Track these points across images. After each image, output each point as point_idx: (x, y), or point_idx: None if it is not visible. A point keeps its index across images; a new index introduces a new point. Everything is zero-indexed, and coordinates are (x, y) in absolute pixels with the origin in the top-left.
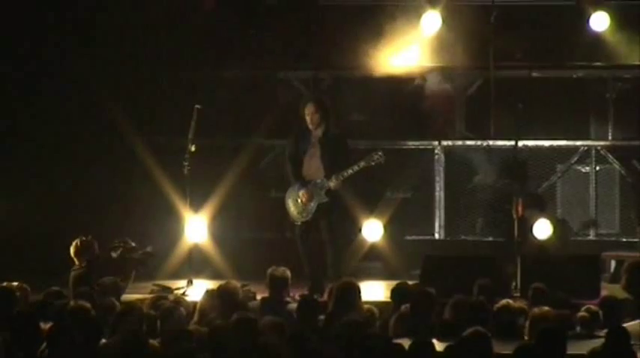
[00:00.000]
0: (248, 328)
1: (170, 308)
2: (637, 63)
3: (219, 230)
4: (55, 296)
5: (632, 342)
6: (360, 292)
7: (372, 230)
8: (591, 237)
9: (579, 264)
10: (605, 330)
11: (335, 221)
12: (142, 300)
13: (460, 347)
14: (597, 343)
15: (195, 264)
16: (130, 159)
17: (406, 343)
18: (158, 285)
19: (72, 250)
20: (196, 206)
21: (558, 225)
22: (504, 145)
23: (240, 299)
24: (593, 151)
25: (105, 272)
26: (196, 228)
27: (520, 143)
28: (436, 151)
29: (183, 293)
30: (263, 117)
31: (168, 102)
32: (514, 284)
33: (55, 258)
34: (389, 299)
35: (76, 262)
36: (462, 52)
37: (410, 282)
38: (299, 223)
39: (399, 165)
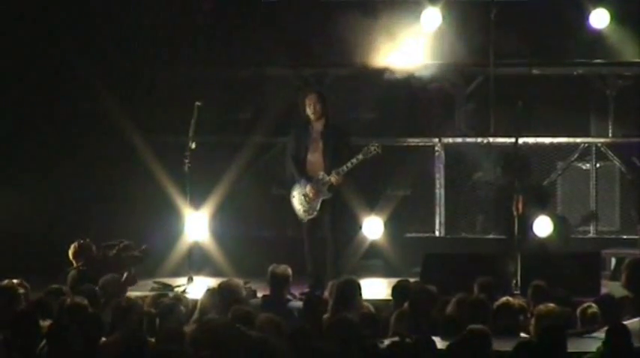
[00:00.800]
0: (244, 322)
1: (170, 305)
2: (637, 60)
3: (220, 227)
4: (56, 294)
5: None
6: (360, 290)
7: (373, 227)
8: (591, 235)
9: (579, 261)
10: (605, 328)
11: (337, 218)
12: (142, 298)
13: (460, 344)
14: (597, 340)
15: (195, 262)
16: (130, 157)
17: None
18: (158, 283)
19: (70, 252)
20: (197, 203)
21: (559, 222)
22: (504, 142)
23: (241, 297)
24: (594, 148)
25: (102, 272)
26: (197, 225)
27: (520, 140)
28: (436, 148)
29: (184, 291)
30: (263, 114)
31: (169, 99)
32: (514, 281)
33: (55, 257)
34: (389, 297)
35: (74, 264)
36: (462, 49)
37: (411, 280)
38: (305, 220)
39: (400, 162)
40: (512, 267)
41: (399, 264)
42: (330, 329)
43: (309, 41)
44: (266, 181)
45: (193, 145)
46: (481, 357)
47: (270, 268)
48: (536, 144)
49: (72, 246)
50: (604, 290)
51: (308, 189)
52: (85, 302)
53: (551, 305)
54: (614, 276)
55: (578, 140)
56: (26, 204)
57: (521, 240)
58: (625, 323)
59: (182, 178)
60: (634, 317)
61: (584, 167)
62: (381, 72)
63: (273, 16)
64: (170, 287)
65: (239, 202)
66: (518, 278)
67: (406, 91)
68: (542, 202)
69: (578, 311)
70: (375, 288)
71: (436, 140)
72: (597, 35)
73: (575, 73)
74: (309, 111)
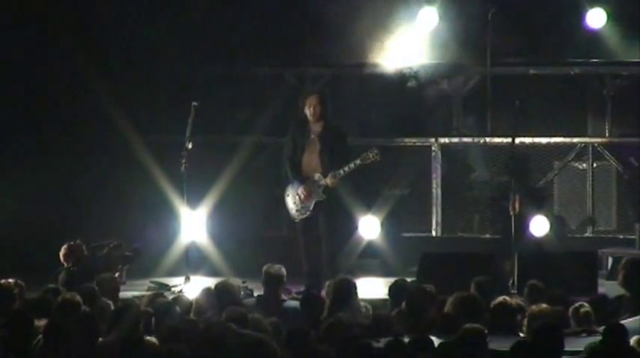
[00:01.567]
0: (238, 322)
1: (166, 305)
2: (635, 60)
3: (217, 227)
4: (53, 294)
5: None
6: (356, 289)
7: (370, 227)
8: (588, 234)
9: (576, 260)
10: (601, 327)
11: (332, 218)
12: (139, 298)
13: (456, 344)
14: (594, 339)
15: (192, 261)
16: (127, 157)
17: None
18: (155, 282)
19: (61, 254)
20: (193, 203)
21: (555, 221)
22: (501, 142)
23: (237, 297)
24: (591, 148)
25: (92, 272)
26: (193, 225)
27: (517, 140)
28: (433, 148)
29: (180, 291)
30: (260, 114)
31: (166, 99)
32: (511, 281)
33: (52, 256)
34: (386, 297)
35: (66, 265)
36: (458, 48)
37: (408, 279)
38: (298, 220)
39: (396, 162)
40: (508, 267)
41: (395, 264)
42: (326, 329)
43: (306, 41)
44: (263, 181)
45: (190, 145)
46: (477, 356)
47: (265, 268)
48: (533, 144)
49: (62, 248)
50: (601, 290)
51: (301, 190)
52: (78, 298)
53: (544, 305)
54: (611, 276)
55: (575, 140)
56: (22, 204)
57: (518, 240)
58: (622, 322)
59: (179, 178)
60: (631, 316)
61: (581, 167)
62: (378, 72)
63: (271, 15)
64: (167, 287)
65: (236, 202)
66: (515, 278)
67: (403, 91)
68: (539, 202)
69: (571, 310)
70: (372, 288)
71: (433, 140)
72: (594, 35)
73: (572, 72)
74: (308, 112)
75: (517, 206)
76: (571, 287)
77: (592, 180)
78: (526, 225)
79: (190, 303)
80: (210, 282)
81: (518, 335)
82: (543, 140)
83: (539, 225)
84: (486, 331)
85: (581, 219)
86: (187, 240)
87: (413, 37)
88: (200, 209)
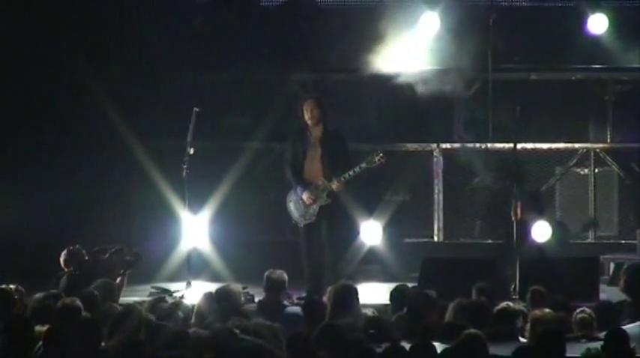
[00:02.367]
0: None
1: (168, 310)
2: (636, 65)
3: (218, 232)
4: (55, 299)
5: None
6: (357, 295)
7: (371, 232)
8: (590, 240)
9: (578, 266)
10: (603, 333)
11: (336, 223)
12: (140, 303)
13: (456, 350)
14: (596, 345)
15: (193, 267)
16: (128, 162)
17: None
18: (157, 288)
19: (61, 259)
20: (195, 208)
21: (557, 227)
22: (503, 148)
23: (238, 302)
24: (592, 154)
25: (93, 276)
26: (195, 230)
27: (519, 145)
28: (435, 154)
29: (182, 296)
30: (262, 119)
31: (167, 105)
32: (513, 286)
33: (52, 261)
34: (388, 302)
35: (66, 270)
36: (460, 54)
37: (409, 285)
38: (302, 225)
39: (398, 167)
40: (510, 272)
41: (397, 269)
42: (326, 334)
43: (307, 46)
44: (264, 186)
45: (192, 150)
46: None
47: (266, 273)
48: (535, 150)
49: (63, 253)
50: (603, 296)
51: (305, 195)
52: (78, 302)
53: (547, 310)
54: (612, 281)
55: (577, 145)
56: (23, 209)
57: (520, 245)
58: (624, 327)
59: (180, 183)
60: (633, 321)
61: (582, 172)
62: (379, 77)
63: (271, 20)
64: (168, 292)
65: (237, 207)
66: (517, 283)
67: (404, 96)
68: (541, 208)
69: (574, 315)
70: (374, 293)
71: (434, 145)
72: (596, 40)
73: (573, 78)
74: (306, 116)
75: (519, 211)
76: (573, 293)
77: (594, 186)
78: (528, 231)
79: (192, 309)
80: (212, 288)
81: (520, 341)
82: (545, 146)
83: (540, 231)
84: (484, 337)
85: (583, 224)
86: (189, 245)
87: (414, 42)
88: (201, 214)
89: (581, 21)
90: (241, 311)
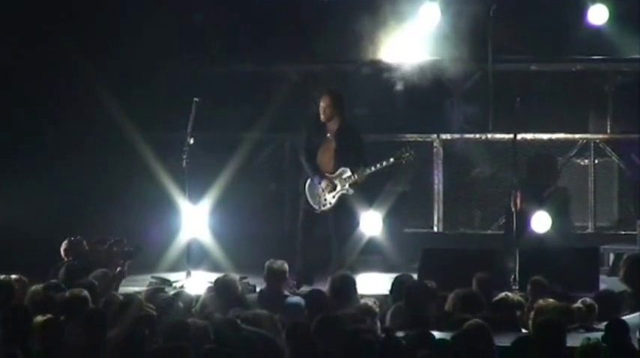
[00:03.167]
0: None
1: (168, 300)
2: (636, 56)
3: (218, 223)
4: (55, 289)
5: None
6: (355, 285)
7: (371, 223)
8: (590, 230)
9: (578, 257)
10: (603, 323)
11: (344, 214)
12: (140, 293)
13: (460, 339)
14: (596, 335)
15: (193, 257)
16: (128, 152)
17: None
18: (157, 278)
19: (62, 249)
20: (195, 199)
21: (557, 217)
22: (503, 138)
23: (237, 292)
24: (592, 144)
25: (93, 267)
26: (195, 220)
27: (519, 136)
28: (435, 144)
29: (182, 286)
30: (262, 110)
31: (167, 95)
32: (513, 277)
33: (53, 252)
34: (388, 292)
35: (66, 260)
36: (460, 44)
37: (410, 275)
38: (318, 211)
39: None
40: (510, 263)
41: (397, 260)
42: (325, 325)
43: (309, 37)
44: (264, 177)
45: (192, 141)
46: (482, 352)
47: (267, 263)
48: (535, 140)
49: (63, 243)
50: (603, 286)
51: (324, 183)
52: (85, 293)
53: (551, 300)
54: (612, 272)
55: (577, 136)
56: (24, 200)
57: (520, 236)
58: (624, 318)
59: (181, 174)
60: (632, 312)
61: (582, 163)
62: (379, 67)
63: (273, 12)
64: (168, 282)
65: (237, 198)
66: (517, 274)
67: (405, 87)
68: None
69: (575, 306)
70: (374, 284)
71: (434, 136)
72: (596, 31)
73: (573, 69)
74: (320, 110)
75: (519, 202)
76: (572, 284)
77: (593, 177)
78: (528, 221)
79: (192, 299)
80: (212, 278)
81: (520, 331)
82: (545, 136)
83: (540, 221)
84: (488, 327)
85: (583, 215)
86: (189, 235)
87: (415, 33)
88: (201, 204)
89: (582, 12)
90: (242, 301)
